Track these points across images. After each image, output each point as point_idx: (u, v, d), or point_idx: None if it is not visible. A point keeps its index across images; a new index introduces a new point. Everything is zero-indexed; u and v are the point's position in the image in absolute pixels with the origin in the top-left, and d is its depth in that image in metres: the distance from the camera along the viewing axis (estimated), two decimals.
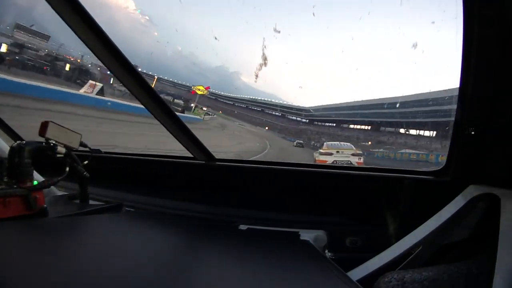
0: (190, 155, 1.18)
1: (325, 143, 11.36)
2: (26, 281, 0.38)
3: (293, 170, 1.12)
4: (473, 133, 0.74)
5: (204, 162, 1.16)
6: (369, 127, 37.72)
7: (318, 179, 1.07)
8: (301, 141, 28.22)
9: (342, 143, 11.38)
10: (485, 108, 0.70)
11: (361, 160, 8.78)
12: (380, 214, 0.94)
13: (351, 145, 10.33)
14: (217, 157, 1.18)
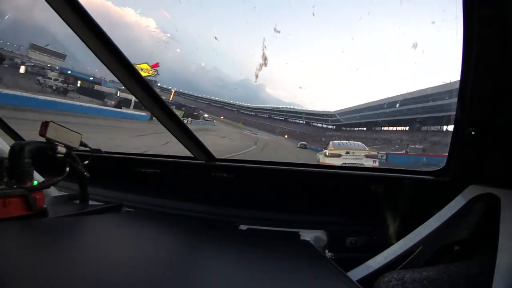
0: (190, 155, 1.18)
1: (331, 142, 9.08)
2: (26, 281, 0.38)
3: (293, 170, 1.12)
4: (473, 133, 0.74)
5: (204, 162, 1.16)
6: (407, 127, 32.13)
7: (318, 179, 1.07)
8: (305, 143, 28.34)
9: (352, 142, 9.52)
10: (485, 108, 0.70)
11: (376, 164, 7.22)
12: (380, 214, 0.94)
13: (364, 145, 8.79)
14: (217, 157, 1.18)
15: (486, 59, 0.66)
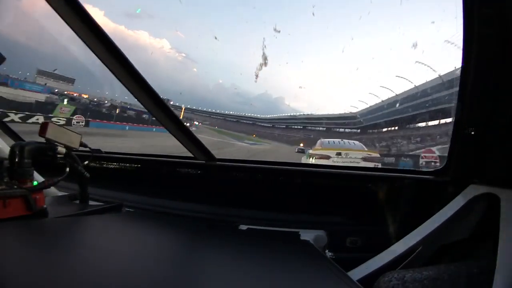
0: (190, 155, 1.18)
1: (319, 141, 7.17)
2: (27, 282, 0.38)
3: (293, 170, 1.12)
4: (473, 133, 0.74)
5: (204, 162, 1.16)
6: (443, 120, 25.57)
7: (318, 179, 1.07)
8: (303, 148, 27.74)
9: (346, 141, 7.37)
10: (485, 108, 0.70)
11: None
12: (380, 214, 0.94)
13: (361, 145, 6.97)
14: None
15: (486, 59, 0.66)
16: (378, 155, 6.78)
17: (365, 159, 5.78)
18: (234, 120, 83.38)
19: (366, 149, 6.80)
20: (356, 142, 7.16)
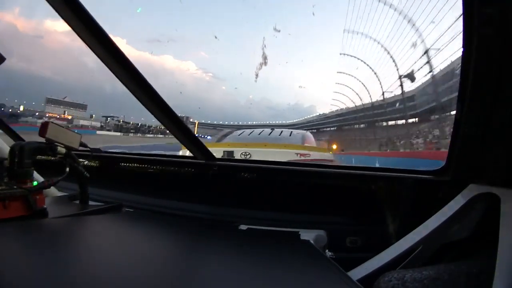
0: (190, 155, 1.18)
1: (231, 135, 4.80)
2: (26, 282, 0.38)
3: (293, 170, 1.12)
4: (473, 133, 0.74)
5: (204, 161, 1.16)
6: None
7: (318, 179, 1.07)
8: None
9: (281, 131, 4.83)
10: (485, 108, 0.70)
11: None
12: (380, 214, 0.94)
13: (309, 137, 4.66)
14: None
15: (486, 59, 0.66)
16: (331, 154, 5.02)
17: (301, 155, 3.74)
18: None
19: (315, 144, 4.71)
20: (300, 133, 4.81)
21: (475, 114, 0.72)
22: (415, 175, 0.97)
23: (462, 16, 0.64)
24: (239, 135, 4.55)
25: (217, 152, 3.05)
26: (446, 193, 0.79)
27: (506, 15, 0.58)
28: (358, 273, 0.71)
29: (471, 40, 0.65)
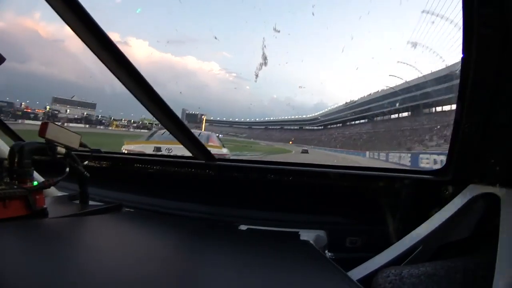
0: (190, 155, 1.18)
1: (156, 134, 5.36)
2: (26, 282, 0.38)
3: (293, 170, 1.12)
4: (473, 133, 0.74)
5: (204, 162, 1.16)
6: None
7: (318, 179, 1.07)
8: (306, 148, 28.62)
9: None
10: (485, 108, 0.70)
11: None
12: (380, 214, 0.94)
13: (211, 137, 5.31)
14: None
15: (486, 59, 0.66)
16: (223, 150, 5.16)
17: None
18: (278, 127, 71.35)
19: (215, 143, 5.12)
20: (207, 134, 5.60)
21: (475, 114, 0.72)
22: (415, 175, 0.97)
23: (462, 16, 0.64)
24: (162, 134, 5.02)
25: (149, 148, 4.25)
26: (446, 193, 0.79)
27: (506, 15, 0.58)
28: (358, 273, 0.71)
29: (471, 40, 0.65)
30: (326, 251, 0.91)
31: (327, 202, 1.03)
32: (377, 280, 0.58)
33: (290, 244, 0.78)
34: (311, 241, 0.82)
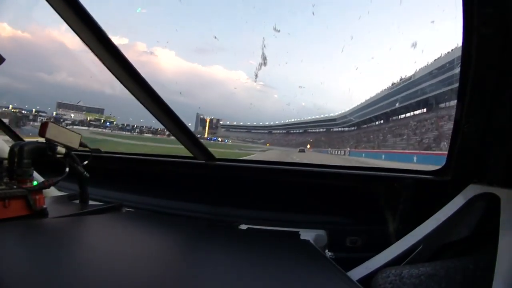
0: (190, 155, 1.18)
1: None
2: (27, 282, 0.38)
3: (293, 170, 1.12)
4: (473, 133, 0.74)
5: (204, 161, 1.16)
6: None
7: (318, 179, 1.07)
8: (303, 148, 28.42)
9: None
10: (485, 108, 0.70)
11: None
12: (380, 214, 0.94)
13: None
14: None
15: (485, 59, 0.66)
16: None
17: None
18: (301, 130, 63.66)
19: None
20: None
21: (475, 114, 0.72)
22: (415, 175, 0.97)
23: (462, 16, 0.64)
24: None
25: None
26: (446, 193, 0.79)
27: (506, 15, 0.58)
28: (358, 273, 0.71)
29: (471, 40, 0.65)
30: (326, 251, 0.91)
31: (327, 202, 1.03)
32: (377, 280, 0.58)
33: (290, 244, 0.78)
34: (311, 241, 0.82)
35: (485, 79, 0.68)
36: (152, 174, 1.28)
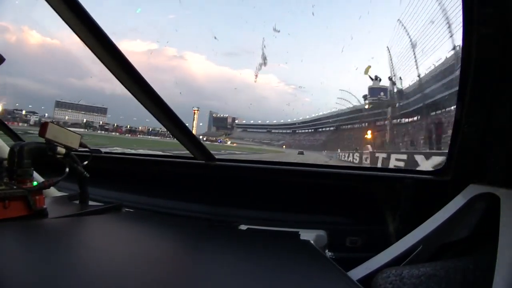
0: (190, 155, 1.18)
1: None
2: (26, 282, 0.38)
3: (293, 170, 1.12)
4: (473, 133, 0.74)
5: (203, 162, 1.16)
6: None
7: (318, 179, 1.07)
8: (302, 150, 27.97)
9: None
10: (485, 108, 0.70)
11: None
12: (380, 214, 0.94)
13: None
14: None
15: (485, 58, 0.66)
16: None
17: None
18: (332, 127, 51.20)
19: None
20: None
21: (475, 114, 0.72)
22: (415, 175, 0.97)
23: (462, 16, 0.64)
24: None
25: None
26: (446, 193, 0.79)
27: (506, 15, 0.58)
28: (358, 273, 0.71)
29: (471, 40, 0.65)
30: (326, 251, 0.91)
31: (327, 202, 1.03)
32: (377, 280, 0.58)
33: (290, 244, 0.78)
34: (311, 241, 0.82)
35: (485, 79, 0.68)
36: (152, 174, 1.28)
